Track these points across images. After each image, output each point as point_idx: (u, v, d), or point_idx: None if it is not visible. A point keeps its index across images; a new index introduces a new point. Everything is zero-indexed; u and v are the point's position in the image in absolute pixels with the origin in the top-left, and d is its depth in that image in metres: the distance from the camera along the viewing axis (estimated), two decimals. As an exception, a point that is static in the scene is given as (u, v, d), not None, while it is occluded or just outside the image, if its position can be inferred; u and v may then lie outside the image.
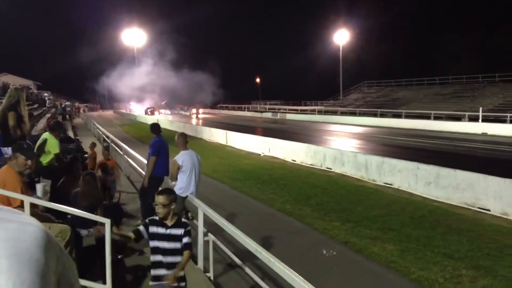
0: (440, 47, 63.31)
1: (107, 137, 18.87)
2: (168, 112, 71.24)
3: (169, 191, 4.25)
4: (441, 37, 63.37)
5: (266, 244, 7.16)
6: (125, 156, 13.77)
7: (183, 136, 7.12)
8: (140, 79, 67.32)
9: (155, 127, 8.39)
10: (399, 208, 9.90)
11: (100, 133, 22.14)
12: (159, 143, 8.05)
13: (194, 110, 67.61)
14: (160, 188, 7.81)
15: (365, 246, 7.36)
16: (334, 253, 7.11)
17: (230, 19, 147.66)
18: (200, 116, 62.65)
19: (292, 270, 3.56)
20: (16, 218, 0.68)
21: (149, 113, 66.76)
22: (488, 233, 8.00)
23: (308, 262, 6.64)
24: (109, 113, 79.33)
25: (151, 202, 7.96)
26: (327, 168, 15.21)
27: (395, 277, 6.19)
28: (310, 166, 16.05)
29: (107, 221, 4.28)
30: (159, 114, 65.69)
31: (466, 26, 60.06)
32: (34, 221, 0.70)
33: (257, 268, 5.67)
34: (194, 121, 49.94)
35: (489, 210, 9.43)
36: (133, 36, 70.58)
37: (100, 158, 10.98)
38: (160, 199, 4.01)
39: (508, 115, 31.19)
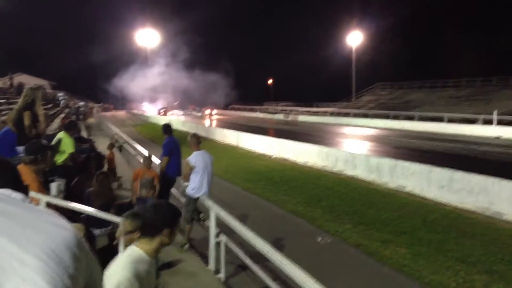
0: (454, 49, 62.71)
1: (121, 137, 19.04)
2: (181, 112, 71.61)
3: (136, 216, 3.30)
4: (456, 38, 62.77)
5: (277, 245, 7.17)
6: (137, 156, 13.88)
7: (196, 136, 7.17)
8: (153, 79, 67.57)
9: (167, 127, 8.46)
10: (411, 211, 9.84)
11: (113, 133, 22.35)
12: (172, 143, 8.11)
13: (208, 111, 67.95)
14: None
15: (377, 249, 7.34)
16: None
17: (243, 20, 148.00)
18: (213, 117, 62.69)
19: (303, 272, 3.57)
20: (50, 220, 0.71)
21: (162, 113, 66.77)
22: (502, 238, 7.93)
23: (319, 264, 6.64)
24: (122, 113, 79.96)
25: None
26: (339, 170, 15.17)
27: (407, 280, 6.16)
28: (322, 168, 16.02)
29: (121, 220, 4.33)
30: (171, 114, 65.73)
31: (479, 26, 59.42)
32: (67, 224, 0.73)
33: (269, 270, 5.68)
34: (207, 121, 50.08)
35: (504, 214, 9.33)
36: (146, 36, 71.01)
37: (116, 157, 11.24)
38: (124, 224, 3.38)
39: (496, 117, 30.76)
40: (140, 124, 44.74)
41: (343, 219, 9.22)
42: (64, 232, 0.70)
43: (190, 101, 78.29)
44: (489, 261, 6.74)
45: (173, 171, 8.01)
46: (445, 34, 65.03)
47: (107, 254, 5.53)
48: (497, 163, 17.54)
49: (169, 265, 5.84)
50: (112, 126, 26.59)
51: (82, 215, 5.55)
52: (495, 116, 31.23)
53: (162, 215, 2.51)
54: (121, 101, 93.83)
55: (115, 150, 11.78)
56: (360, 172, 14.18)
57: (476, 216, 9.46)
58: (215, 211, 5.87)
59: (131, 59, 71.54)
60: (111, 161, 11.46)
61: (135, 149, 14.52)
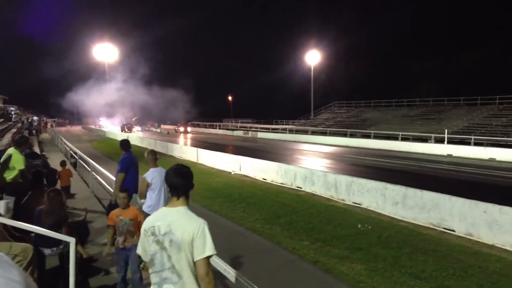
0: (408, 70, 65.08)
1: (75, 153, 18.50)
2: (139, 128, 70.42)
3: None
4: (409, 61, 65.21)
5: (235, 263, 7.11)
6: (93, 172, 13.51)
7: (153, 153, 7.04)
8: (110, 94, 66.26)
9: (125, 143, 8.28)
10: (367, 227, 10.01)
11: (68, 149, 21.70)
12: (128, 159, 7.94)
13: (181, 128, 64.73)
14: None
15: (333, 266, 7.40)
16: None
17: (202, 38, 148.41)
18: (188, 135, 58.90)
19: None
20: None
21: (126, 130, 61.67)
22: (453, 253, 8.17)
23: (277, 281, 6.63)
24: (77, 128, 77.92)
25: None
26: (298, 187, 15.30)
27: (362, 297, 6.23)
28: (280, 185, 16.11)
29: (72, 240, 4.17)
30: (137, 131, 62.68)
31: (433, 50, 62.18)
32: (16, 275, 0.68)
33: (226, 287, 5.61)
34: (181, 140, 47.84)
35: (454, 231, 9.65)
36: (104, 51, 69.85)
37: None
38: None
39: (472, 137, 32.23)
40: (97, 140, 43.69)
41: (301, 236, 9.27)
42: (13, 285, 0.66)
43: (148, 117, 77.24)
44: (441, 276, 6.92)
45: (129, 188, 7.82)
46: (401, 57, 67.43)
47: (58, 274, 5.33)
48: (448, 180, 18.18)
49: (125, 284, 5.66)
50: (67, 142, 25.81)
51: (31, 234, 5.33)
52: (446, 135, 32.47)
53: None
54: (77, 116, 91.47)
55: (70, 166, 11.35)
56: (318, 188, 14.35)
57: (429, 232, 9.73)
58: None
59: (88, 73, 70.07)
60: (65, 178, 11.10)
61: (89, 164, 14.12)
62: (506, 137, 32.02)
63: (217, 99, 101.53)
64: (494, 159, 27.11)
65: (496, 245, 8.70)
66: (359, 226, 9.23)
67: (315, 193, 14.28)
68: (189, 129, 65.11)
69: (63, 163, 12.02)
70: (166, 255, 2.84)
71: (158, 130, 68.97)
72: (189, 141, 41.88)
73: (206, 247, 2.86)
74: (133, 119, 76.07)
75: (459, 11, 64.84)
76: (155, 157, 6.96)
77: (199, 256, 2.83)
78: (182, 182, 3.05)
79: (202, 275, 2.81)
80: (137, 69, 66.11)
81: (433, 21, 69.08)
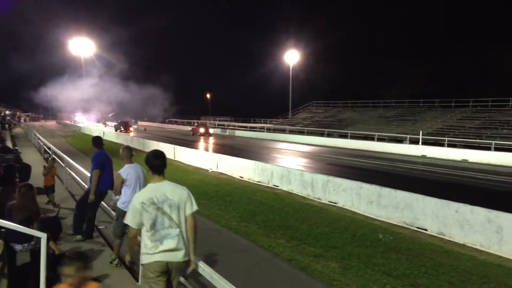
0: (385, 71, 65.97)
1: (49, 148, 18.17)
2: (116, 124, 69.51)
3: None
4: (386, 62, 66.09)
5: (210, 260, 7.10)
6: (67, 168, 13.28)
7: (128, 149, 6.96)
8: (86, 90, 65.15)
9: (97, 140, 8.13)
10: (342, 226, 10.12)
11: (41, 144, 21.29)
12: (102, 156, 7.82)
13: (202, 129, 50.41)
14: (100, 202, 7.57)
15: (308, 264, 7.45)
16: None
17: (183, 35, 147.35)
18: (206, 135, 49.11)
19: (233, 286, 3.55)
20: None
21: (122, 129, 53.23)
22: (425, 252, 8.32)
23: (252, 279, 6.64)
24: (52, 123, 76.49)
25: (90, 216, 7.71)
26: (274, 185, 15.35)
27: (336, 294, 6.29)
28: (257, 183, 16.14)
29: (43, 236, 4.09)
30: (133, 130, 55.36)
31: (409, 52, 63.14)
32: None
33: (201, 285, 5.60)
34: (211, 140, 42.31)
35: (426, 230, 9.82)
36: (81, 45, 68.64)
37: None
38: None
39: (446, 139, 32.87)
40: (72, 136, 42.97)
41: (277, 234, 9.30)
42: None
43: (125, 113, 76.34)
44: (413, 274, 7.04)
45: (104, 184, 7.72)
46: (378, 58, 68.32)
47: (29, 271, 5.22)
48: (421, 181, 18.51)
49: (95, 279, 5.59)
50: (40, 137, 25.32)
51: (2, 230, 5.21)
52: (420, 136, 33.04)
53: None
54: (51, 111, 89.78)
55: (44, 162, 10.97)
56: (295, 187, 14.42)
57: (402, 231, 9.89)
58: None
59: (63, 68, 68.81)
60: (49, 177, 10.59)
61: (63, 160, 13.87)
62: (479, 139, 32.74)
63: (196, 97, 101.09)
64: (467, 160, 27.71)
65: (467, 244, 8.89)
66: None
67: (292, 192, 14.35)
68: (211, 130, 50.49)
69: (52, 162, 11.41)
70: (166, 217, 3.91)
71: (135, 126, 68.21)
72: (161, 138, 41.53)
73: (193, 205, 4.10)
74: (110, 115, 75.07)
75: (436, 14, 66.05)
76: (130, 154, 6.88)
77: (190, 211, 4.07)
78: (161, 162, 4.15)
79: (193, 224, 4.09)
80: (115, 64, 65.32)
81: (411, 23, 70.20)
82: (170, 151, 24.78)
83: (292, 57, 63.76)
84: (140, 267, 4.23)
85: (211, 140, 43.49)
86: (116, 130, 51.85)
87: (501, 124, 35.96)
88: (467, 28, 61.88)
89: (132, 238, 4.04)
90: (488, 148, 29.69)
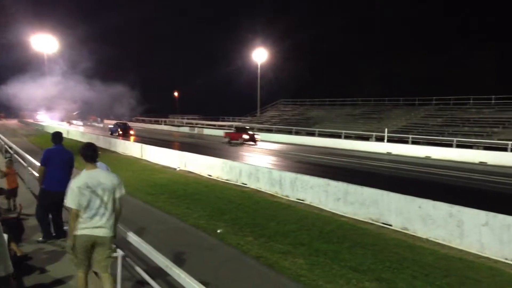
0: (352, 70, 66.99)
1: (10, 147, 17.63)
2: (80, 123, 67.95)
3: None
4: (353, 61, 67.13)
5: (178, 259, 7.06)
6: (29, 168, 12.92)
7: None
8: (50, 88, 63.28)
9: (54, 135, 7.79)
10: (310, 223, 10.23)
11: (3, 143, 20.63)
12: (50, 152, 7.44)
13: (246, 136, 36.91)
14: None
15: (276, 261, 7.50)
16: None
17: (149, 33, 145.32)
18: (250, 141, 36.88)
19: (202, 286, 3.54)
20: None
21: (120, 133, 43.34)
22: (389, 247, 8.52)
23: (220, 277, 6.64)
24: (13, 122, 74.20)
25: (39, 216, 7.38)
26: (243, 183, 15.37)
27: (304, 290, 6.37)
28: (225, 181, 16.12)
29: (4, 237, 3.98)
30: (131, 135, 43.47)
31: (375, 51, 64.30)
32: None
33: (169, 285, 5.56)
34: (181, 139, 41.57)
35: (391, 225, 10.05)
36: (44, 42, 66.64)
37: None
38: None
39: (410, 136, 33.67)
40: (34, 135, 41.81)
41: (245, 231, 9.32)
42: None
43: (91, 112, 74.74)
44: (378, 269, 7.20)
45: (50, 183, 7.26)
46: (345, 57, 69.32)
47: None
48: (387, 177, 18.92)
49: (59, 281, 5.48)
50: (1, 136, 24.52)
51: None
52: (386, 134, 33.72)
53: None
54: (13, 110, 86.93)
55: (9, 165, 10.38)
56: (263, 185, 14.48)
57: (368, 227, 10.09)
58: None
59: (25, 65, 66.61)
60: (11, 180, 10.08)
61: (25, 160, 13.48)
62: (441, 136, 33.69)
63: (164, 95, 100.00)
64: (430, 157, 28.50)
65: (430, 238, 9.15)
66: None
67: (260, 190, 14.40)
68: (257, 136, 37.80)
69: (9, 163, 10.80)
70: (98, 199, 4.62)
71: (101, 125, 66.87)
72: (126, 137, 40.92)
73: (122, 189, 4.85)
74: (74, 113, 73.36)
75: (402, 14, 67.46)
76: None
77: (119, 194, 4.81)
78: (93, 153, 4.88)
79: (119, 206, 4.85)
80: (80, 62, 63.76)
81: (376, 24, 71.48)
82: (137, 149, 24.45)
83: (260, 55, 63.81)
84: (70, 239, 4.68)
85: (180, 139, 43.09)
86: (112, 134, 43.12)
87: (462, 122, 37.08)
88: (430, 29, 63.52)
89: (73, 217, 4.58)
90: (450, 145, 30.59)
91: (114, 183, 4.77)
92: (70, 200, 4.57)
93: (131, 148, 25.76)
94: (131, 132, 44.58)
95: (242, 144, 36.50)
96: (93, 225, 4.61)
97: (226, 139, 38.71)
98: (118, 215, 4.87)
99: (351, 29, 76.09)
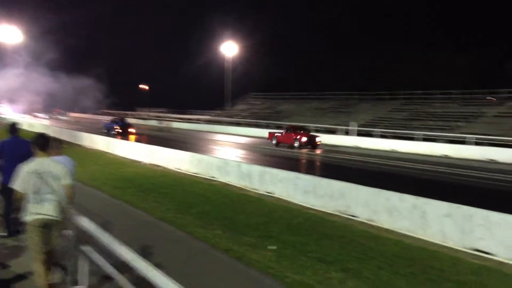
0: (320, 64, 67.52)
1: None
2: (45, 116, 66.07)
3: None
4: (321, 55, 67.62)
5: (146, 253, 6.95)
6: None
7: (57, 140, 6.62)
8: (12, 79, 61.14)
9: (10, 127, 7.54)
10: (278, 216, 10.28)
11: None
12: (4, 144, 7.21)
13: (304, 138, 29.33)
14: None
15: (245, 253, 7.50)
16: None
17: (116, 26, 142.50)
18: (309, 146, 29.45)
19: (168, 277, 3.50)
20: None
21: (119, 131, 36.70)
22: (356, 238, 8.64)
23: (188, 270, 6.59)
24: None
25: (4, 212, 7.15)
26: (212, 177, 15.29)
27: (271, 282, 6.39)
28: (194, 174, 16.01)
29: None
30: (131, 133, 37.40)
31: (343, 46, 65.02)
32: None
33: (135, 278, 5.47)
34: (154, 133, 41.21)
35: (358, 217, 10.20)
36: (5, 32, 64.30)
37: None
38: None
39: (377, 130, 34.29)
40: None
41: (214, 225, 9.28)
42: None
43: (55, 105, 72.71)
44: (345, 260, 7.29)
45: (5, 176, 6.99)
46: (314, 51, 69.76)
47: None
48: (355, 170, 19.20)
49: (21, 276, 5.33)
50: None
51: None
52: (354, 128, 34.23)
53: None
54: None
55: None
56: (232, 178, 14.44)
57: (336, 219, 10.21)
58: (76, 219, 5.49)
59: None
60: None
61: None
62: (406, 130, 34.42)
63: (132, 88, 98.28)
64: (396, 150, 29.10)
65: (395, 230, 9.33)
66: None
67: (230, 183, 14.37)
68: (318, 139, 29.98)
69: None
70: (47, 185, 4.88)
71: (66, 118, 65.31)
72: (95, 130, 40.15)
73: (69, 179, 5.06)
74: (38, 106, 71.25)
75: (369, 8, 68.38)
76: (59, 145, 6.55)
77: (66, 182, 5.02)
78: (45, 142, 5.11)
79: (69, 193, 5.08)
80: (44, 53, 61.88)
81: (345, 18, 72.21)
82: (104, 143, 24.01)
83: (230, 48, 63.55)
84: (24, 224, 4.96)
85: (148, 132, 42.50)
86: (107, 132, 36.80)
87: (427, 116, 38.00)
88: (399, 24, 64.67)
89: (18, 199, 4.86)
90: (416, 139, 31.33)
91: (62, 171, 5.03)
92: (18, 184, 4.84)
93: (97, 141, 25.25)
94: (131, 130, 37.50)
95: (299, 148, 28.95)
96: (42, 209, 4.87)
97: (273, 142, 31.62)
98: (68, 200, 5.11)
99: (320, 23, 76.61)
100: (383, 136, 33.71)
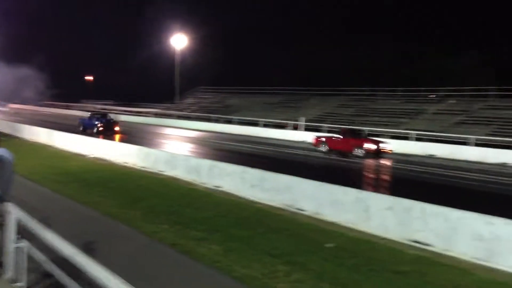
0: (270, 59, 67.97)
1: None
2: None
3: None
4: (271, 50, 68.11)
5: (89, 249, 6.75)
6: None
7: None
8: None
9: None
10: (226, 209, 10.30)
11: None
12: None
13: (369, 145, 23.30)
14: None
15: (192, 248, 7.47)
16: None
17: (61, 14, 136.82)
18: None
19: (111, 272, 3.42)
20: None
21: (100, 128, 30.72)
22: (302, 231, 8.82)
23: (133, 266, 6.48)
24: None
25: None
26: (159, 171, 15.07)
27: (219, 275, 6.41)
28: (141, 168, 15.71)
29: None
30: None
31: (292, 41, 65.77)
32: None
33: (77, 274, 5.32)
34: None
35: (304, 211, 10.38)
36: None
37: None
38: None
39: (325, 125, 35.01)
40: None
41: (161, 219, 9.17)
42: None
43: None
44: (291, 253, 7.43)
45: None
46: (264, 46, 70.07)
47: None
48: (302, 164, 19.56)
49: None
50: None
51: None
52: (303, 123, 34.79)
53: None
54: None
55: None
56: (180, 172, 14.30)
57: (283, 213, 10.34)
58: (15, 214, 5.27)
59: None
60: None
61: None
62: (353, 126, 35.34)
63: (77, 80, 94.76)
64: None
65: (340, 223, 9.54)
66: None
67: (177, 177, 14.21)
68: (385, 145, 24.11)
69: None
70: None
71: (5, 109, 62.18)
72: (36, 122, 38.51)
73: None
74: (-25, 97, 67.32)
75: (320, 4, 69.45)
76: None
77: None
78: None
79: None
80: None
81: (294, 13, 73.00)
82: (46, 135, 23.08)
83: (179, 41, 62.49)
84: None
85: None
86: (84, 131, 30.34)
87: (372, 112, 39.20)
88: (349, 23, 66.13)
89: None
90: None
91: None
92: None
93: (38, 133, 24.23)
94: (117, 128, 31.50)
95: (369, 153, 22.82)
96: None
97: (322, 149, 24.77)
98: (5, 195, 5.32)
99: (271, 18, 77.14)
100: (330, 131, 34.43)
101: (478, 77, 41.20)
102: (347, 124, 36.10)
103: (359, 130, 28.56)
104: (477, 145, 26.23)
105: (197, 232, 8.32)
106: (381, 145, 23.59)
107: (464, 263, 7.23)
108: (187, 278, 6.38)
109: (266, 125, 38.83)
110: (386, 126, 34.32)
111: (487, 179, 17.58)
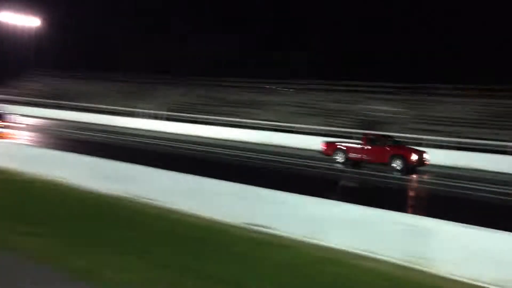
0: (121, 44, 64.64)
1: None
2: None
3: None
4: (122, 34, 64.72)
5: None
6: None
7: None
8: None
9: None
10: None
11: None
12: None
13: (413, 157, 18.56)
14: None
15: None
16: None
17: None
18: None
19: None
20: None
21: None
22: (149, 221, 8.59)
23: None
24: None
25: None
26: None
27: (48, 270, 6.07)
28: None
29: None
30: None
31: (147, 28, 63.32)
32: None
33: None
34: None
35: (150, 199, 10.00)
36: None
37: None
38: None
39: (161, 112, 35.40)
40: None
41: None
42: None
43: None
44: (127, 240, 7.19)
45: None
46: (116, 31, 66.19)
47: None
48: (150, 153, 19.67)
49: None
50: None
51: None
52: (151, 111, 34.70)
53: None
54: None
55: None
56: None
57: (126, 203, 9.81)
58: None
59: None
60: None
61: None
62: (201, 115, 35.91)
63: None
64: (188, 134, 30.71)
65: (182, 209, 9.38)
66: None
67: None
68: (426, 156, 19.17)
69: None
70: None
71: None
72: None
73: None
74: None
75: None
76: None
77: None
78: None
79: None
80: None
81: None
82: None
83: (17, 19, 55.90)
84: None
85: None
86: None
87: (220, 102, 39.65)
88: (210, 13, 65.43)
89: None
90: (210, 124, 33.30)
91: None
92: None
93: None
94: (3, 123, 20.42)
95: (410, 166, 18.24)
96: None
97: (336, 158, 19.64)
98: None
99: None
100: (178, 120, 34.79)
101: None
102: (196, 114, 36.30)
103: (388, 135, 21.75)
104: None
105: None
106: (424, 155, 18.97)
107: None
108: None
109: (112, 113, 38.09)
110: (234, 115, 35.22)
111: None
